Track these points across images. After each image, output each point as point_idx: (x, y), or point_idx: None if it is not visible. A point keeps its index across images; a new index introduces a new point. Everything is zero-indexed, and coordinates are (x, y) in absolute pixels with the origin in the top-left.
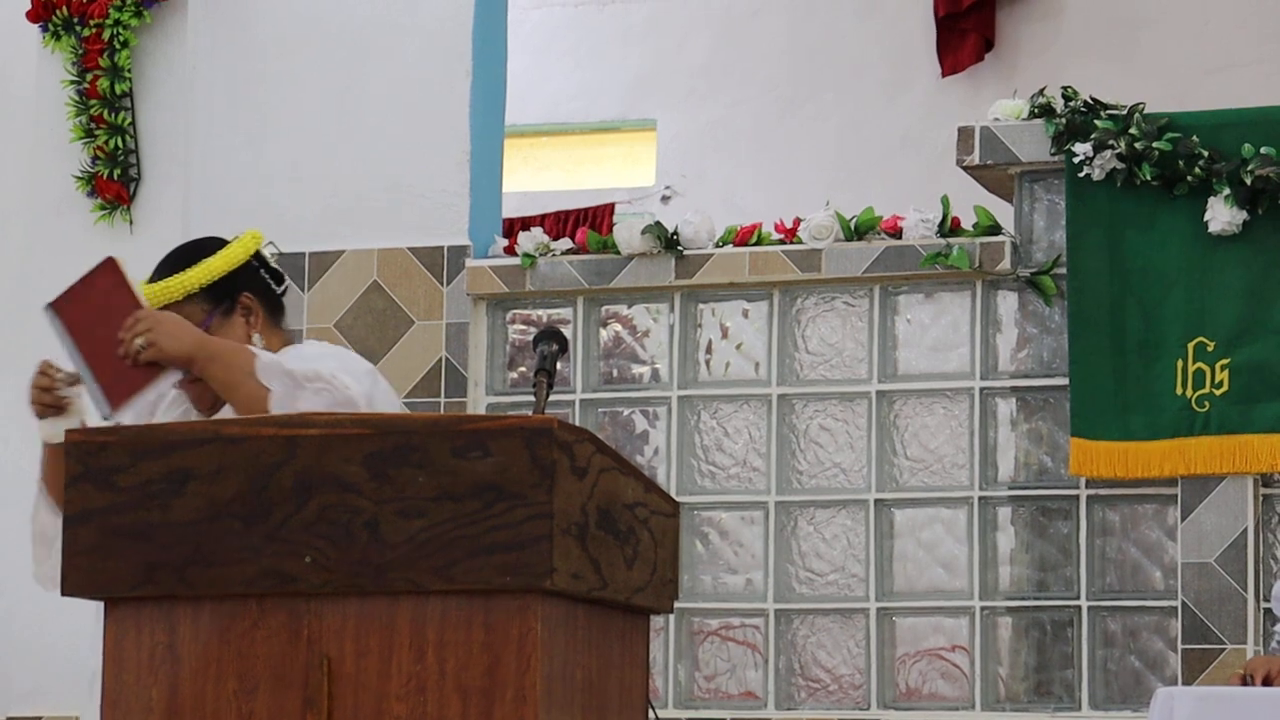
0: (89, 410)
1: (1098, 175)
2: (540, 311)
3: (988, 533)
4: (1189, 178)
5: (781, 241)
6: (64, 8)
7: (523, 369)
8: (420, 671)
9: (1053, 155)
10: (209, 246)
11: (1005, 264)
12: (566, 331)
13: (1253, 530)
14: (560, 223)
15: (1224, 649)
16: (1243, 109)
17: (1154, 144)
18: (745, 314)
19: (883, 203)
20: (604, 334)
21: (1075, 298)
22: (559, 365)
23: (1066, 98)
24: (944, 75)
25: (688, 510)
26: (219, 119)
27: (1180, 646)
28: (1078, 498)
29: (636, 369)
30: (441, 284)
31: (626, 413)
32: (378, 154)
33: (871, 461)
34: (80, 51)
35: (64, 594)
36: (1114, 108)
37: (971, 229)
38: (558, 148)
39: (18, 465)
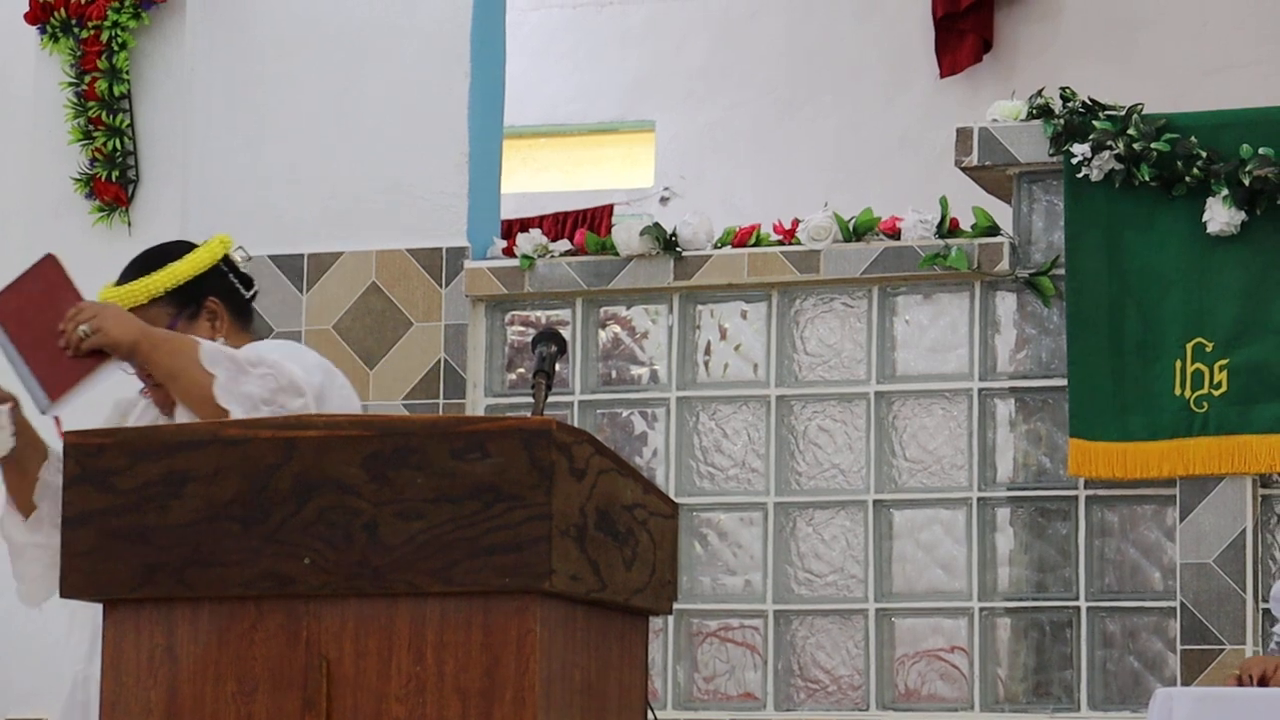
0: (9, 427)
1: (1096, 176)
2: (539, 313)
3: (986, 533)
4: (1187, 178)
5: (780, 243)
6: (62, 9)
7: (521, 370)
8: (419, 673)
9: (1051, 156)
10: (175, 251)
11: (1004, 265)
12: (565, 333)
13: (1251, 531)
14: (559, 224)
15: (1223, 649)
16: (1241, 110)
17: (1152, 145)
18: (744, 315)
19: (881, 204)
20: (603, 335)
21: (1074, 298)
22: (558, 367)
23: (1065, 98)
24: (942, 76)
25: (686, 511)
26: (217, 121)
27: (1179, 647)
28: (1076, 498)
29: (635, 370)
30: (440, 285)
31: (625, 414)
32: (376, 156)
33: (870, 462)
34: (78, 53)
35: (63, 596)
36: (1112, 108)
37: (970, 230)
38: (556, 149)
39: None
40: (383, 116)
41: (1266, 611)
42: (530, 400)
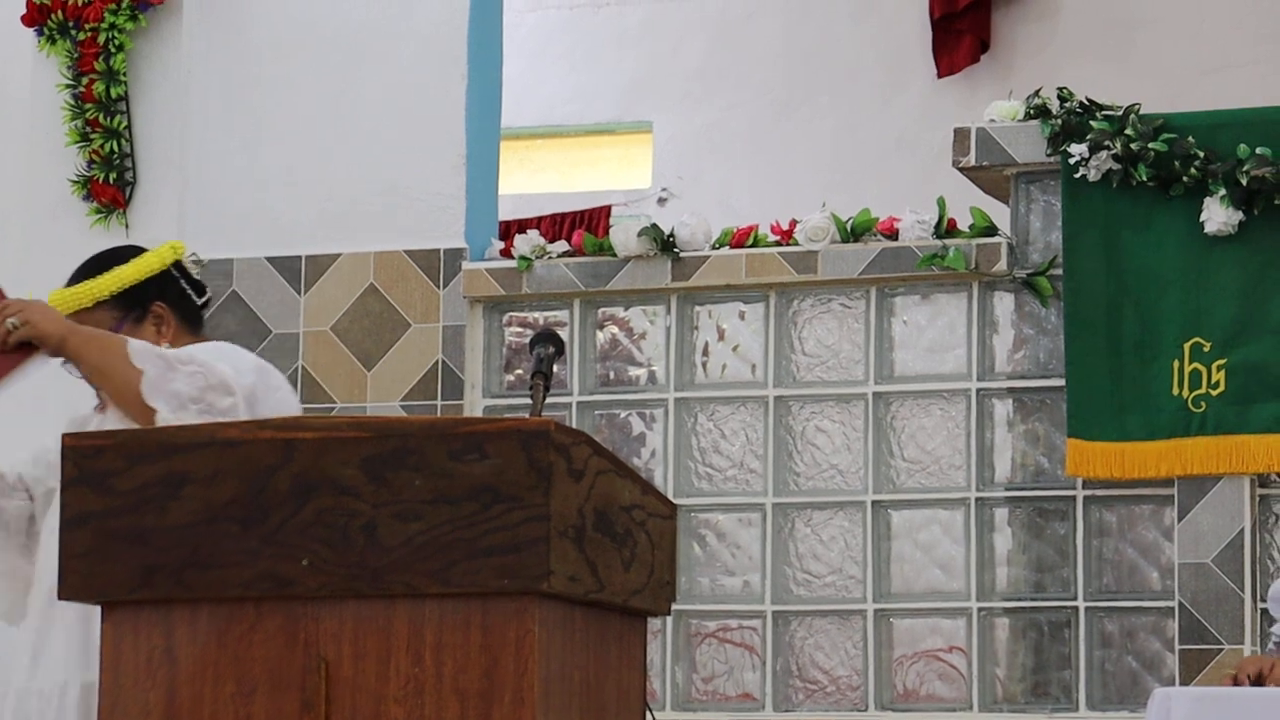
0: None
1: (1093, 176)
2: (537, 314)
3: (985, 534)
4: (1185, 178)
5: (778, 243)
6: (59, 12)
7: (519, 371)
8: (418, 674)
9: (1048, 156)
10: (124, 254)
11: (1001, 265)
12: (563, 334)
13: (1249, 530)
14: (556, 225)
15: (1221, 649)
16: (1238, 109)
17: (1150, 145)
18: (742, 316)
19: (879, 204)
20: (601, 336)
21: (1071, 299)
22: (556, 368)
23: (1062, 99)
24: (940, 77)
25: (685, 512)
26: (214, 123)
27: (1177, 647)
28: (1074, 498)
29: (633, 371)
30: (438, 287)
31: (623, 415)
32: (373, 157)
33: (868, 463)
34: (75, 55)
35: (61, 598)
36: (1110, 108)
37: (967, 230)
38: (553, 150)
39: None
40: (380, 118)
41: (1264, 611)
42: (528, 401)
